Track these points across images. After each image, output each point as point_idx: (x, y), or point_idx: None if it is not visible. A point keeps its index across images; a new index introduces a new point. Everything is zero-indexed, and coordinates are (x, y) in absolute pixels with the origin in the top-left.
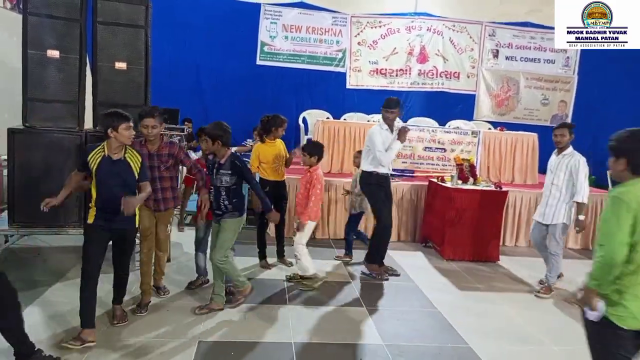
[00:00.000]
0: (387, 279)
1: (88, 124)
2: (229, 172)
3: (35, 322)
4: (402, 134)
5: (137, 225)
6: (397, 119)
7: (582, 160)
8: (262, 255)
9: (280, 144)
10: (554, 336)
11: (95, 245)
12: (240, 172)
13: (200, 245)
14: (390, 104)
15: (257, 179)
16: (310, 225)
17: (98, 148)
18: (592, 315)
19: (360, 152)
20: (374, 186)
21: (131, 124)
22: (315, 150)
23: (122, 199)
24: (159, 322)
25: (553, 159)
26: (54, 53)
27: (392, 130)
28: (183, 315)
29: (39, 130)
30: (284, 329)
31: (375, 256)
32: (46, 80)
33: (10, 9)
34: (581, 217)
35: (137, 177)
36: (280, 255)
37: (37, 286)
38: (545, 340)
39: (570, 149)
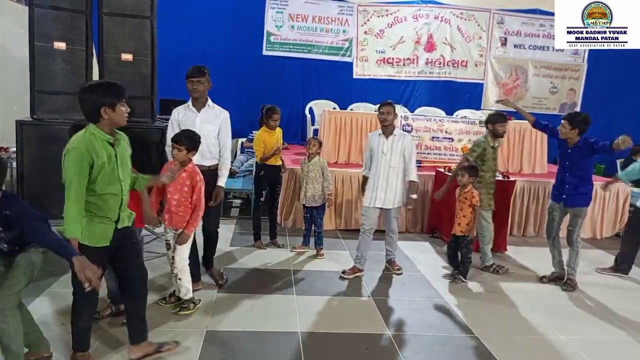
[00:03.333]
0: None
1: None
2: None
3: (45, 313)
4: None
5: None
6: (210, 101)
7: (412, 140)
8: (257, 237)
9: (279, 134)
10: (561, 326)
11: None
12: (16, 223)
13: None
14: (193, 73)
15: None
16: (191, 236)
17: None
18: None
19: (316, 139)
20: None
21: None
22: (194, 143)
23: None
24: (167, 311)
25: (382, 141)
26: (60, 45)
27: (198, 110)
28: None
29: (47, 122)
30: (290, 318)
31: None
32: (53, 72)
33: (17, 1)
34: (414, 196)
35: None
36: (273, 236)
37: (47, 277)
38: (552, 330)
39: (398, 129)
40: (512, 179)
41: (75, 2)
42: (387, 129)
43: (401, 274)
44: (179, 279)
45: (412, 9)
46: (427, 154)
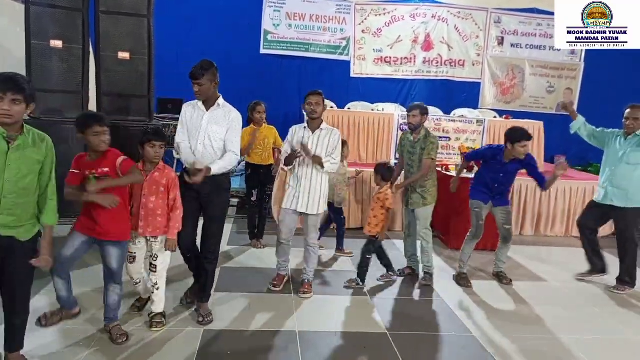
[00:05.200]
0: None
1: None
2: None
3: (44, 309)
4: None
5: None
6: (221, 99)
7: (339, 135)
8: (253, 236)
9: (268, 131)
10: (558, 325)
11: None
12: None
13: (62, 266)
14: (193, 72)
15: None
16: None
17: None
18: None
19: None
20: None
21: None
22: (164, 137)
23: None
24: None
25: (307, 136)
26: (57, 43)
27: (207, 108)
28: (188, 304)
29: (43, 121)
30: (288, 317)
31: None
32: (50, 71)
33: None
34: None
35: None
36: (259, 236)
37: (46, 275)
38: (549, 329)
39: (325, 123)
40: None
41: (72, 0)
42: (314, 122)
43: (310, 297)
44: (157, 288)
45: (409, 7)
46: None
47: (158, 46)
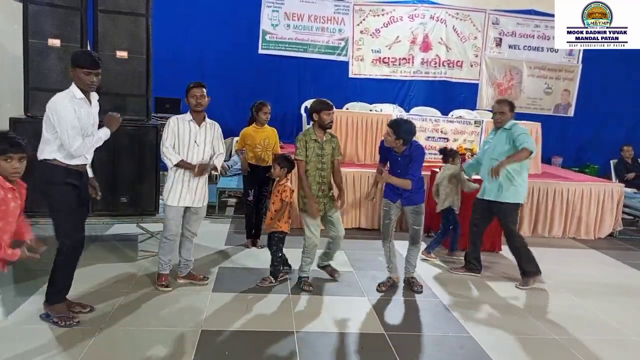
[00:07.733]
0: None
1: None
2: None
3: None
4: (111, 121)
5: None
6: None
7: (219, 127)
8: (249, 235)
9: (270, 132)
10: (556, 326)
11: None
12: None
13: None
14: (86, 59)
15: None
16: None
17: None
18: None
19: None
20: (61, 186)
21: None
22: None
23: None
24: (162, 310)
25: (194, 130)
26: (55, 42)
27: (90, 102)
28: (186, 303)
29: (41, 119)
30: (286, 318)
31: (61, 293)
32: (47, 70)
33: None
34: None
35: None
36: (255, 236)
37: (42, 275)
38: (546, 330)
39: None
40: None
41: None
42: (199, 115)
43: (206, 283)
44: None
45: (407, 8)
46: None
47: (156, 45)
